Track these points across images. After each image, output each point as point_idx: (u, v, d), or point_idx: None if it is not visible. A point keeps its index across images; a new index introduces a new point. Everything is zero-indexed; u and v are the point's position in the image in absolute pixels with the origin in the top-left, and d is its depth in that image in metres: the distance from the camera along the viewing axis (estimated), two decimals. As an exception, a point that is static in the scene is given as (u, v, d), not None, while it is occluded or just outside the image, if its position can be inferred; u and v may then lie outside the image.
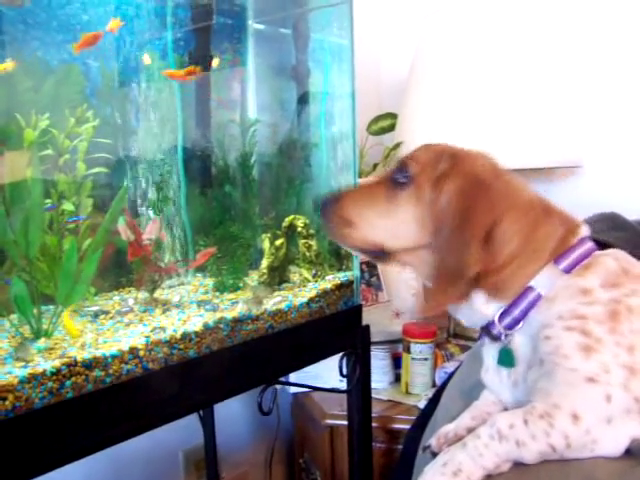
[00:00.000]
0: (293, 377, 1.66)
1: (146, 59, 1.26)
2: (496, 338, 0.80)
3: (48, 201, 1.01)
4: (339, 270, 1.38)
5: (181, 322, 1.03)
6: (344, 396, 1.35)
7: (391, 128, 2.03)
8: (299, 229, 1.32)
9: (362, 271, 1.71)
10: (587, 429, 0.67)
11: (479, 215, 0.76)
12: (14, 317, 0.96)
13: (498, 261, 0.77)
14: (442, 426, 0.88)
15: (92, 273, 1.00)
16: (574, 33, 1.88)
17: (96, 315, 1.06)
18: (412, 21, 2.05)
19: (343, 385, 1.33)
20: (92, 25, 1.15)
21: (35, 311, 0.94)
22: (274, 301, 1.16)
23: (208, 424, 1.69)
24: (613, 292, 0.73)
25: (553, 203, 0.83)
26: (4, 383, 0.75)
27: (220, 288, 1.24)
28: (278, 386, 1.78)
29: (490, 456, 0.71)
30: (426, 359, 1.63)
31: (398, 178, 0.83)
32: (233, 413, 1.89)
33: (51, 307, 0.98)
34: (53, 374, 0.80)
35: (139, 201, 1.26)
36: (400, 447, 1.47)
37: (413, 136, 1.80)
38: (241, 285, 1.25)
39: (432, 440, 0.87)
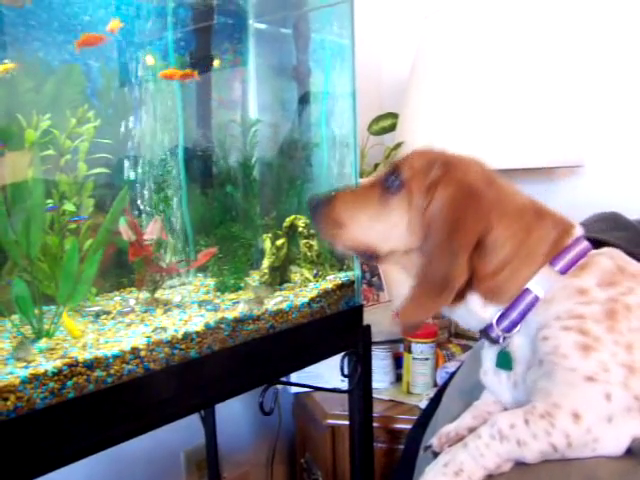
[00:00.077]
0: (294, 377, 1.66)
1: (147, 59, 1.26)
2: (495, 341, 0.81)
3: (49, 201, 1.01)
4: (340, 270, 1.38)
5: (182, 322, 1.03)
6: (345, 396, 1.35)
7: (392, 128, 2.03)
8: (300, 229, 1.32)
9: (363, 271, 1.71)
10: (588, 428, 0.67)
11: (469, 225, 0.76)
12: (16, 317, 0.96)
13: (492, 267, 0.77)
14: (443, 426, 0.88)
15: (93, 273, 1.00)
16: (575, 33, 1.88)
17: (97, 315, 1.06)
18: (413, 21, 2.05)
19: (344, 385, 1.33)
20: (93, 25, 1.16)
21: (36, 311, 0.94)
22: (275, 301, 1.16)
23: (209, 424, 1.69)
24: (610, 291, 0.74)
25: (546, 205, 0.83)
26: (6, 383, 0.75)
27: (221, 288, 1.24)
28: (279, 386, 1.78)
29: (491, 456, 0.71)
30: (427, 359, 1.63)
31: (390, 182, 0.84)
32: (234, 413, 1.89)
33: (53, 307, 0.98)
34: (54, 374, 0.80)
35: (140, 201, 1.26)
36: (401, 447, 1.47)
37: (414, 136, 1.80)
38: (242, 285, 1.25)
39: (433, 440, 0.87)
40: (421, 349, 1.62)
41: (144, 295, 1.16)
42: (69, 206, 1.03)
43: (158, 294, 1.17)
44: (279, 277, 1.31)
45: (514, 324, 0.78)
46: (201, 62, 1.37)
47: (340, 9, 1.38)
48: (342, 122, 1.45)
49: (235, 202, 1.36)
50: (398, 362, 1.72)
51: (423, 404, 1.53)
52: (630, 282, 0.75)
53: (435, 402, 1.14)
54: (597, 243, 0.88)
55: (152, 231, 1.15)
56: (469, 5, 1.73)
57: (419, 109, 1.80)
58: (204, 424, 1.68)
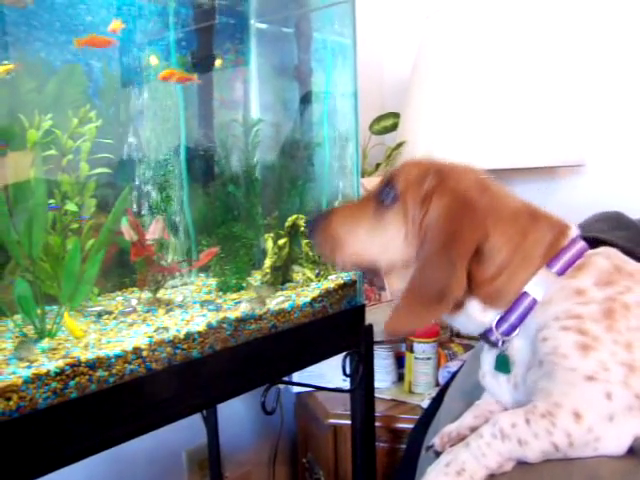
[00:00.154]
0: (296, 377, 1.66)
1: (148, 59, 1.26)
2: (494, 344, 0.81)
3: (52, 201, 1.01)
4: (342, 270, 1.38)
5: (184, 322, 1.03)
6: (347, 395, 1.35)
7: (393, 127, 2.03)
8: (302, 229, 1.32)
9: (365, 271, 1.71)
10: (589, 427, 0.67)
11: (466, 235, 0.76)
12: (18, 317, 0.97)
13: (489, 272, 0.78)
14: (445, 426, 0.88)
15: (95, 273, 1.01)
16: (576, 32, 1.88)
17: (99, 315, 1.06)
18: (414, 21, 2.05)
19: (346, 385, 1.33)
20: (95, 26, 1.16)
21: (39, 311, 0.94)
22: (277, 301, 1.16)
23: (211, 424, 1.69)
24: (607, 290, 0.74)
25: (540, 208, 0.84)
26: (8, 383, 0.76)
27: (223, 288, 1.24)
28: (281, 386, 1.77)
29: (493, 455, 0.71)
30: (429, 358, 1.63)
31: (385, 195, 0.84)
32: (236, 413, 1.89)
33: (55, 307, 0.98)
34: (57, 374, 0.80)
35: (142, 201, 1.27)
36: (403, 447, 1.47)
37: (415, 135, 1.80)
38: (244, 285, 1.25)
39: (435, 439, 0.87)
40: (423, 349, 1.62)
41: (146, 295, 1.16)
42: (71, 206, 1.04)
43: (160, 294, 1.17)
44: (281, 277, 1.31)
45: (513, 327, 0.78)
46: (203, 62, 1.37)
47: (342, 9, 1.38)
48: (344, 122, 1.45)
49: (237, 202, 1.36)
50: (400, 362, 1.72)
51: (425, 404, 1.53)
52: (627, 281, 0.75)
53: (437, 402, 1.14)
54: (598, 243, 0.88)
55: (154, 231, 1.15)
56: (470, 5, 1.73)
57: (421, 109, 1.80)
58: (206, 424, 1.69)
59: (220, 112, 1.46)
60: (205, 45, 1.39)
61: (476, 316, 0.80)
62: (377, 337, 1.34)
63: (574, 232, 0.81)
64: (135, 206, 1.25)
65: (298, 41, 1.54)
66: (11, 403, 0.75)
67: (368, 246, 0.85)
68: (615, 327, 0.71)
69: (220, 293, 1.23)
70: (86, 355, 0.85)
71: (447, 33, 1.76)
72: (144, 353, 0.91)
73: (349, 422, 1.37)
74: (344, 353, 1.27)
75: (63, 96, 1.12)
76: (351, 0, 1.33)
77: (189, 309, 1.11)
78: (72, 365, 0.82)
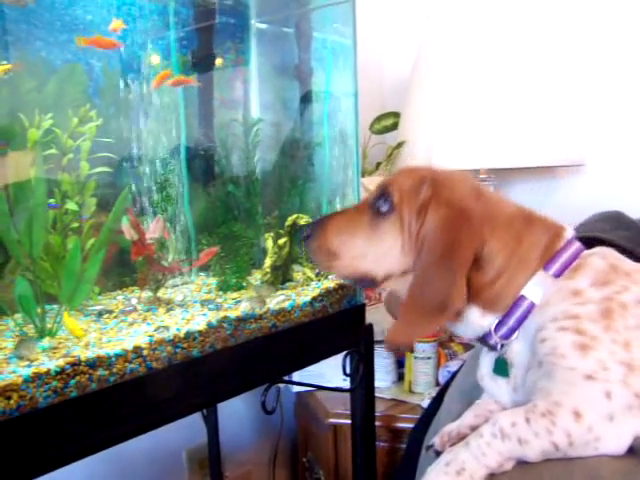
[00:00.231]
0: (296, 376, 1.66)
1: (149, 58, 1.26)
2: (493, 348, 0.81)
3: (52, 200, 1.01)
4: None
5: (185, 321, 1.03)
6: (347, 395, 1.35)
7: (394, 127, 2.03)
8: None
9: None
10: (589, 426, 0.68)
11: (464, 245, 0.76)
12: (18, 316, 0.97)
13: (487, 278, 0.78)
14: (445, 425, 0.88)
15: (96, 272, 1.01)
16: (576, 32, 1.88)
17: (100, 314, 1.06)
18: (414, 20, 2.05)
19: (346, 384, 1.33)
20: (95, 25, 1.16)
21: (39, 310, 0.94)
22: (277, 300, 1.16)
23: (211, 423, 1.69)
24: (604, 290, 0.74)
25: (534, 211, 0.84)
26: (9, 382, 0.76)
27: (223, 287, 1.24)
28: (281, 385, 1.78)
29: (493, 455, 0.71)
30: (429, 358, 1.63)
31: (380, 206, 0.84)
32: (236, 412, 1.89)
33: (55, 307, 0.98)
34: (57, 373, 0.80)
35: (143, 200, 1.27)
36: (403, 446, 1.47)
37: (416, 135, 1.80)
38: (244, 284, 1.25)
39: (435, 439, 0.87)
40: (423, 348, 1.62)
41: (146, 294, 1.16)
42: (71, 205, 1.04)
43: (160, 293, 1.18)
44: (281, 276, 1.31)
45: (512, 331, 0.79)
46: (203, 61, 1.37)
47: (342, 8, 1.38)
48: (344, 121, 1.45)
49: (237, 201, 1.36)
50: (400, 361, 1.72)
51: (425, 403, 1.53)
52: (624, 280, 0.75)
53: (437, 401, 1.14)
54: (599, 242, 0.88)
55: (154, 230, 1.15)
56: (470, 5, 1.73)
57: (421, 108, 1.80)
58: (206, 423, 1.69)
59: (220, 111, 1.46)
60: (205, 45, 1.39)
61: (475, 321, 0.80)
62: (377, 337, 1.34)
63: (569, 233, 0.82)
64: (135, 205, 1.25)
65: (298, 41, 1.54)
66: (11, 402, 0.75)
67: (364, 256, 0.84)
68: (613, 326, 0.71)
69: (220, 292, 1.23)
70: (86, 354, 0.85)
71: (447, 33, 1.76)
72: (144, 352, 0.91)
73: (349, 421, 1.37)
74: (344, 352, 1.27)
75: (63, 95, 1.13)
76: (351, 0, 1.33)
77: (189, 308, 1.11)
78: (72, 364, 0.82)
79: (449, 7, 1.77)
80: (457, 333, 0.86)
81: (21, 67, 1.07)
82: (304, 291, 1.25)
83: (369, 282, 0.86)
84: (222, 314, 1.05)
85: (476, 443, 0.72)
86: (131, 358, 0.89)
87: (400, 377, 1.72)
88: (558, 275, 0.77)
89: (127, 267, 1.18)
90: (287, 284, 1.31)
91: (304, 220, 1.32)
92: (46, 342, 0.92)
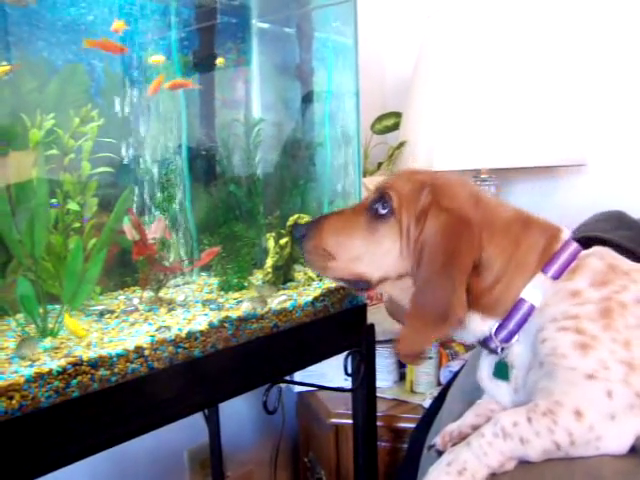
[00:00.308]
0: (298, 376, 1.66)
1: (150, 58, 1.26)
2: (493, 351, 0.81)
3: (53, 200, 1.01)
4: (344, 269, 1.37)
5: (186, 321, 1.03)
6: (349, 395, 1.35)
7: (395, 127, 2.03)
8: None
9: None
10: (590, 425, 0.68)
11: (464, 253, 0.77)
12: (20, 316, 0.97)
13: (486, 283, 0.78)
14: (447, 425, 0.88)
15: (97, 273, 1.00)
16: (578, 32, 1.88)
17: (101, 314, 1.06)
18: (416, 20, 2.05)
19: (348, 384, 1.33)
20: (97, 25, 1.16)
21: (41, 310, 0.94)
22: (279, 300, 1.16)
23: (213, 423, 1.69)
24: (603, 290, 0.74)
25: (531, 213, 0.84)
26: (11, 382, 0.76)
27: (225, 287, 1.24)
28: (283, 385, 1.78)
29: (494, 454, 0.71)
30: (431, 358, 1.63)
31: (378, 209, 0.84)
32: (238, 412, 1.89)
33: (57, 306, 0.98)
34: (59, 373, 0.80)
35: (144, 200, 1.27)
36: (405, 446, 1.47)
37: (417, 135, 1.80)
38: (246, 284, 1.25)
39: (437, 439, 0.87)
40: (424, 348, 1.61)
41: (148, 294, 1.16)
42: (73, 205, 1.04)
43: (162, 293, 1.18)
44: (282, 276, 1.31)
45: (512, 334, 0.79)
46: (204, 61, 1.37)
47: (343, 8, 1.38)
48: (345, 121, 1.45)
49: (238, 201, 1.36)
50: (402, 361, 1.72)
51: (427, 403, 1.53)
52: (623, 280, 0.75)
53: (439, 401, 1.14)
54: (601, 242, 0.88)
55: (156, 230, 1.16)
56: (472, 4, 1.73)
57: (422, 108, 1.80)
58: (208, 423, 1.69)
59: (222, 112, 1.46)
60: (207, 45, 1.39)
61: (475, 326, 0.81)
62: (379, 336, 1.34)
63: (566, 235, 0.82)
64: (136, 205, 1.25)
65: (300, 41, 1.54)
66: (13, 402, 0.75)
67: (361, 259, 0.84)
68: (613, 325, 0.71)
69: (222, 292, 1.23)
70: (88, 354, 0.85)
71: (448, 32, 1.76)
72: (146, 352, 0.91)
73: (351, 421, 1.37)
74: (346, 352, 1.27)
75: (65, 95, 1.13)
76: (352, -1, 1.33)
77: (191, 308, 1.11)
78: (74, 364, 0.82)
79: (450, 7, 1.77)
80: (457, 338, 0.86)
81: (22, 67, 1.07)
82: (305, 291, 1.25)
83: (364, 284, 0.86)
84: (224, 314, 1.05)
85: (478, 443, 0.72)
86: (133, 358, 0.89)
87: (401, 377, 1.72)
88: (557, 277, 0.78)
89: (128, 267, 1.18)
90: (288, 284, 1.31)
91: (305, 220, 1.32)
92: (48, 342, 0.92)
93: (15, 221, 0.92)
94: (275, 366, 1.13)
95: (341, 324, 1.26)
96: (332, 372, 1.61)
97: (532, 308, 0.77)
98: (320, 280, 1.30)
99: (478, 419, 0.84)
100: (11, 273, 0.98)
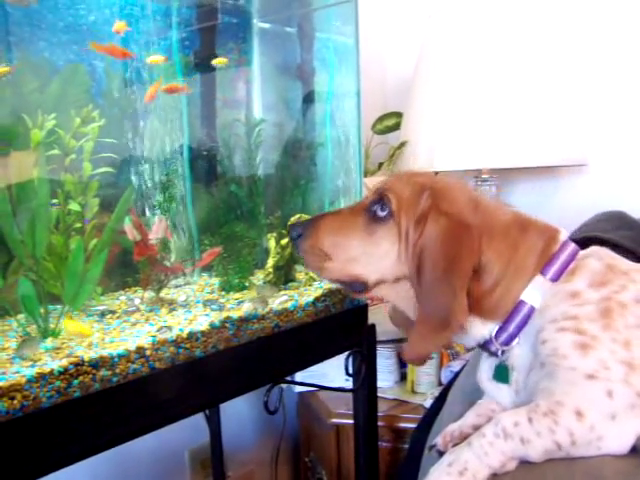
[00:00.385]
0: (299, 376, 1.66)
1: (151, 58, 1.26)
2: (494, 354, 0.81)
3: (55, 200, 1.01)
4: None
5: (187, 321, 1.03)
6: (350, 395, 1.35)
7: (396, 127, 2.03)
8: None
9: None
10: (591, 425, 0.68)
11: (464, 259, 0.76)
12: (21, 317, 0.97)
13: (486, 287, 0.79)
14: (448, 425, 0.89)
15: (99, 273, 1.01)
16: (578, 32, 1.88)
17: (102, 315, 1.06)
18: (417, 20, 2.05)
19: (349, 384, 1.33)
20: (98, 25, 1.16)
21: (42, 311, 0.94)
22: (280, 300, 1.16)
23: (214, 423, 1.69)
24: (602, 291, 0.74)
25: (529, 215, 0.84)
26: (12, 382, 0.76)
27: (226, 287, 1.24)
28: (284, 385, 1.78)
29: (496, 454, 0.71)
30: (432, 358, 1.63)
31: (377, 211, 0.83)
32: (239, 412, 1.89)
33: (58, 307, 0.98)
34: (60, 373, 0.80)
35: (145, 200, 1.27)
36: (406, 446, 1.48)
37: (418, 135, 1.80)
38: (247, 284, 1.25)
39: (438, 439, 0.87)
40: (425, 348, 1.61)
41: (149, 294, 1.16)
42: (74, 206, 1.04)
43: (163, 293, 1.18)
44: (284, 276, 1.31)
45: (512, 337, 0.79)
46: (205, 62, 1.37)
47: (344, 8, 1.38)
48: (346, 121, 1.45)
49: (240, 201, 1.36)
50: (403, 361, 1.72)
51: (428, 403, 1.53)
52: (622, 280, 0.75)
53: (440, 401, 1.14)
54: (602, 242, 0.88)
55: (157, 230, 1.16)
56: (472, 4, 1.73)
57: (423, 108, 1.80)
58: (209, 423, 1.69)
59: (223, 112, 1.46)
60: (207, 45, 1.39)
61: (476, 330, 0.81)
62: (380, 337, 1.34)
63: (564, 236, 0.82)
64: (138, 205, 1.25)
65: (301, 41, 1.54)
66: (15, 402, 0.75)
67: (358, 260, 0.84)
68: (613, 325, 0.71)
69: (223, 293, 1.23)
70: (89, 354, 0.85)
71: (449, 32, 1.76)
72: (147, 352, 0.91)
73: (351, 421, 1.37)
74: (347, 353, 1.27)
75: (66, 96, 1.13)
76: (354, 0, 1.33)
77: (192, 309, 1.11)
78: (76, 364, 0.82)
79: (451, 6, 1.77)
80: (457, 342, 0.86)
81: (21, 67, 1.07)
82: (307, 291, 1.25)
83: (360, 287, 0.86)
84: (225, 314, 1.05)
85: (479, 443, 0.72)
86: (134, 358, 0.89)
87: (402, 377, 1.72)
88: (555, 279, 0.78)
89: (130, 267, 1.18)
90: (290, 284, 1.31)
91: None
92: (49, 342, 0.92)
93: (16, 221, 0.93)
94: (276, 366, 1.13)
95: (342, 324, 1.26)
96: (333, 372, 1.62)
97: (532, 310, 0.77)
98: (321, 280, 1.30)
99: (479, 419, 0.84)
100: (12, 273, 0.98)
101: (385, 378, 1.68)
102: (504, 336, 0.79)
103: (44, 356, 0.86)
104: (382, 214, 0.83)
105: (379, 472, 1.38)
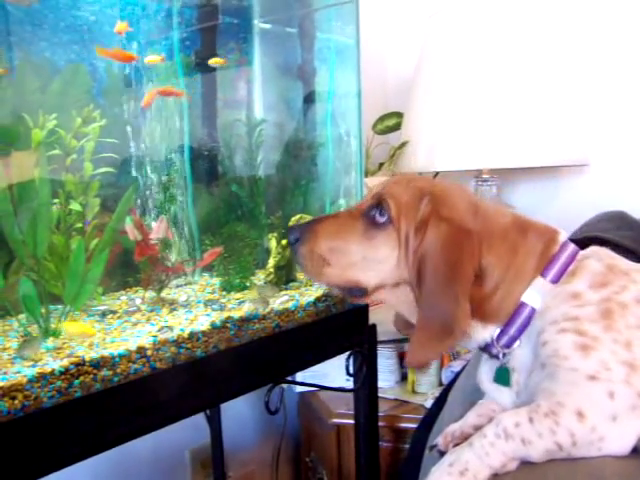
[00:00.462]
0: (300, 376, 1.66)
1: (148, 59, 1.26)
2: (495, 357, 0.81)
3: (56, 201, 1.01)
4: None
5: (188, 321, 1.03)
6: (350, 395, 1.35)
7: (397, 127, 2.03)
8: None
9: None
10: (593, 426, 0.68)
11: (466, 266, 0.76)
12: (22, 317, 0.97)
13: (486, 291, 0.79)
14: (449, 425, 0.89)
15: (100, 273, 1.01)
16: (580, 32, 1.88)
17: (103, 315, 1.06)
18: (417, 20, 2.05)
19: (350, 384, 1.33)
20: (99, 25, 1.16)
21: (43, 311, 0.94)
22: (281, 300, 1.16)
23: (215, 423, 1.69)
24: (603, 292, 0.74)
25: (528, 217, 0.84)
26: (13, 382, 0.76)
27: (227, 287, 1.24)
28: (285, 385, 1.78)
29: (496, 455, 0.71)
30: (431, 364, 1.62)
31: (375, 216, 0.83)
32: (240, 412, 1.89)
33: (59, 307, 0.98)
34: (62, 373, 0.80)
35: (146, 199, 1.27)
36: (407, 446, 1.48)
37: (419, 135, 1.80)
38: (248, 284, 1.25)
39: (439, 439, 0.87)
40: (426, 348, 1.61)
41: (150, 294, 1.16)
42: (75, 206, 1.04)
43: (164, 293, 1.18)
44: (285, 276, 1.31)
45: (513, 340, 0.79)
46: (206, 62, 1.37)
47: (345, 8, 1.38)
48: (347, 121, 1.45)
49: (241, 201, 1.36)
50: (403, 361, 1.72)
51: (428, 403, 1.53)
52: (622, 280, 0.75)
53: (441, 401, 1.14)
54: (602, 243, 0.88)
55: (158, 230, 1.16)
56: (473, 4, 1.73)
57: (424, 108, 1.80)
58: (209, 423, 1.69)
59: (224, 112, 1.46)
60: (208, 45, 1.39)
61: (477, 334, 0.81)
62: (380, 337, 1.34)
63: (563, 237, 0.82)
64: (139, 205, 1.25)
65: (301, 41, 1.54)
66: (16, 402, 0.75)
67: (357, 265, 0.83)
68: (614, 326, 0.71)
69: (224, 293, 1.23)
70: (90, 354, 0.85)
71: (450, 32, 1.76)
72: (148, 352, 0.91)
73: (352, 422, 1.37)
74: (347, 353, 1.27)
75: (67, 96, 1.13)
76: (355, 0, 1.33)
77: (193, 309, 1.11)
78: (77, 364, 0.82)
79: (452, 6, 1.77)
80: (458, 346, 0.86)
81: (23, 67, 1.07)
82: (307, 291, 1.25)
83: (359, 292, 0.85)
84: (226, 314, 1.05)
85: (479, 443, 0.72)
86: (135, 358, 0.89)
87: (403, 377, 1.72)
88: (556, 280, 0.78)
89: (131, 267, 1.18)
90: (290, 284, 1.31)
91: (306, 220, 1.32)
92: (50, 342, 0.92)
93: (17, 221, 0.93)
94: (277, 366, 1.13)
95: (343, 324, 1.26)
96: (334, 372, 1.62)
97: (533, 313, 0.77)
98: (320, 286, 1.30)
99: (480, 419, 0.84)
100: (13, 273, 0.98)
101: (386, 378, 1.67)
102: (505, 339, 0.79)
103: (45, 356, 0.86)
104: (381, 219, 0.82)
105: (380, 472, 1.38)
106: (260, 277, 1.31)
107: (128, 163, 1.25)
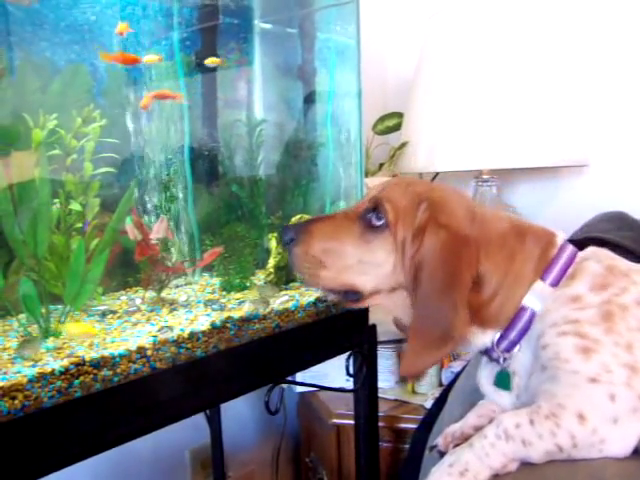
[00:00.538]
0: (300, 376, 1.66)
1: (146, 58, 1.26)
2: (495, 361, 0.81)
3: (56, 200, 1.01)
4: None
5: (188, 321, 1.03)
6: (350, 395, 1.35)
7: (397, 127, 2.03)
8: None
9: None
10: (593, 429, 0.68)
11: (464, 274, 0.76)
12: (23, 316, 0.97)
13: (484, 297, 0.78)
14: (449, 426, 0.88)
15: (100, 273, 1.01)
16: (579, 32, 1.88)
17: (103, 315, 1.06)
18: (418, 21, 2.05)
19: (350, 384, 1.33)
20: (100, 25, 1.16)
21: (43, 311, 0.94)
22: (281, 300, 1.16)
23: (215, 423, 1.69)
24: (603, 294, 0.74)
25: (524, 221, 0.84)
26: (13, 382, 0.76)
27: (227, 287, 1.24)
28: (285, 385, 1.78)
29: (497, 456, 0.71)
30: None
31: (372, 219, 0.82)
32: (240, 412, 1.89)
33: (59, 307, 0.98)
34: (62, 373, 0.80)
35: (146, 199, 1.27)
36: (406, 446, 1.48)
37: (419, 135, 1.80)
38: (248, 284, 1.25)
39: (439, 439, 0.87)
40: (426, 349, 1.61)
41: (150, 294, 1.16)
42: (75, 206, 1.04)
43: (164, 293, 1.18)
44: (285, 276, 1.31)
45: (513, 344, 0.79)
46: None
47: (346, 9, 1.38)
48: (347, 121, 1.45)
49: (241, 201, 1.36)
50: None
51: (428, 404, 1.53)
52: (622, 282, 0.75)
53: (441, 402, 1.14)
54: (602, 243, 0.88)
55: (158, 230, 1.16)
56: (473, 4, 1.73)
57: (424, 108, 1.80)
58: (209, 423, 1.69)
59: (224, 112, 1.46)
60: (209, 45, 1.39)
61: (476, 339, 0.81)
62: (380, 337, 1.34)
63: (561, 239, 0.82)
64: (139, 205, 1.25)
65: (302, 41, 1.54)
66: (16, 402, 0.75)
67: (353, 269, 0.83)
68: (615, 329, 0.71)
69: (224, 293, 1.23)
70: (91, 354, 0.85)
71: (450, 33, 1.76)
72: (148, 352, 0.91)
73: (352, 422, 1.37)
74: (347, 353, 1.27)
75: (67, 96, 1.13)
76: (355, 0, 1.33)
77: (193, 309, 1.11)
78: (77, 364, 0.82)
79: (452, 7, 1.77)
80: (458, 351, 0.86)
81: (24, 67, 1.07)
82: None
83: (354, 296, 0.85)
84: (226, 314, 1.05)
85: (480, 444, 0.72)
86: (135, 358, 0.89)
87: (403, 378, 1.72)
88: (555, 284, 0.78)
89: (131, 267, 1.18)
90: (291, 284, 1.31)
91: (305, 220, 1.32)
92: (50, 342, 0.92)
93: (18, 221, 0.93)
94: (277, 366, 1.13)
95: (343, 325, 1.26)
96: (334, 372, 1.61)
97: (533, 317, 0.77)
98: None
99: (480, 420, 0.84)
100: (14, 273, 0.98)
101: (386, 378, 1.68)
102: (505, 343, 0.79)
103: (45, 356, 0.86)
104: (378, 223, 0.82)
105: (380, 472, 1.38)
106: (260, 277, 1.31)
107: (128, 163, 1.25)
